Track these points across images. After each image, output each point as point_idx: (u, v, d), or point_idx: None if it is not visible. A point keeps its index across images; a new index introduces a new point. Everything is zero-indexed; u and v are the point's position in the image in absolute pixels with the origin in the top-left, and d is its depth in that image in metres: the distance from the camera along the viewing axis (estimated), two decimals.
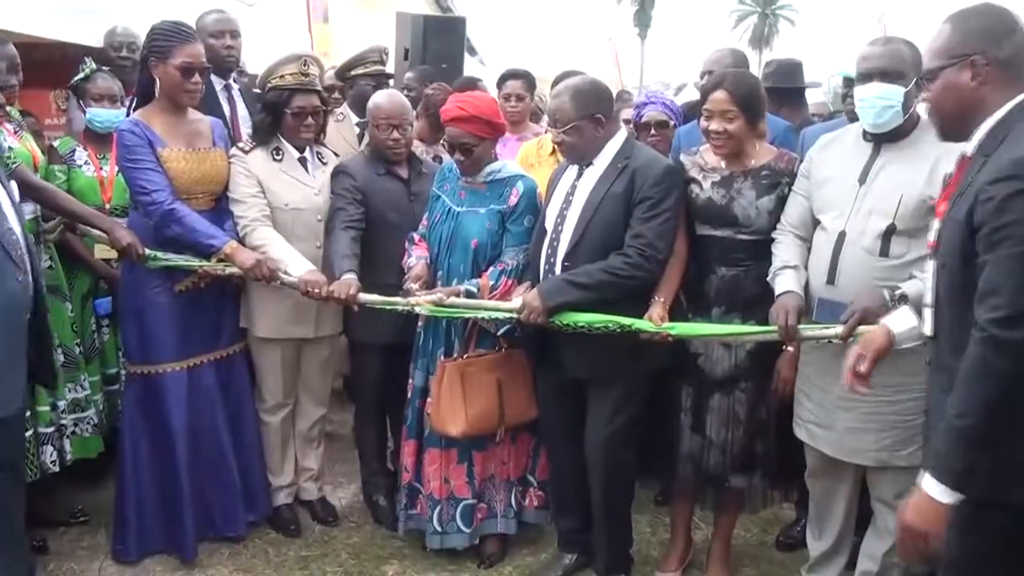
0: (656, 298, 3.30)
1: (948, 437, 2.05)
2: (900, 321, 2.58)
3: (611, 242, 3.30)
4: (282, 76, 3.79)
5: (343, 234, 3.72)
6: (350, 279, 3.53)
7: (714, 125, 3.31)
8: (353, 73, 4.83)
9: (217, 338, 3.86)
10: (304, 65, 3.79)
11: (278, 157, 3.85)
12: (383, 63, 4.77)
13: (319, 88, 3.90)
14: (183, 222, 3.55)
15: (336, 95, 4.93)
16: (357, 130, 4.64)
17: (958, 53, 2.20)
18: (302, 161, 3.91)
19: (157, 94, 3.64)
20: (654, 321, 3.20)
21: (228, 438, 3.87)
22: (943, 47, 2.24)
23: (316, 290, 3.51)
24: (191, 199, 3.66)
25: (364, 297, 3.53)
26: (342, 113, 4.71)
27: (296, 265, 3.61)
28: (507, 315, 3.39)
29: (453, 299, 3.43)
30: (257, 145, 3.85)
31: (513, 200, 3.63)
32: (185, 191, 3.63)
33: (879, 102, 2.98)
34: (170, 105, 3.65)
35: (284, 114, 3.80)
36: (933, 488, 2.05)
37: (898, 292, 2.75)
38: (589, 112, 3.34)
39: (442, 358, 3.65)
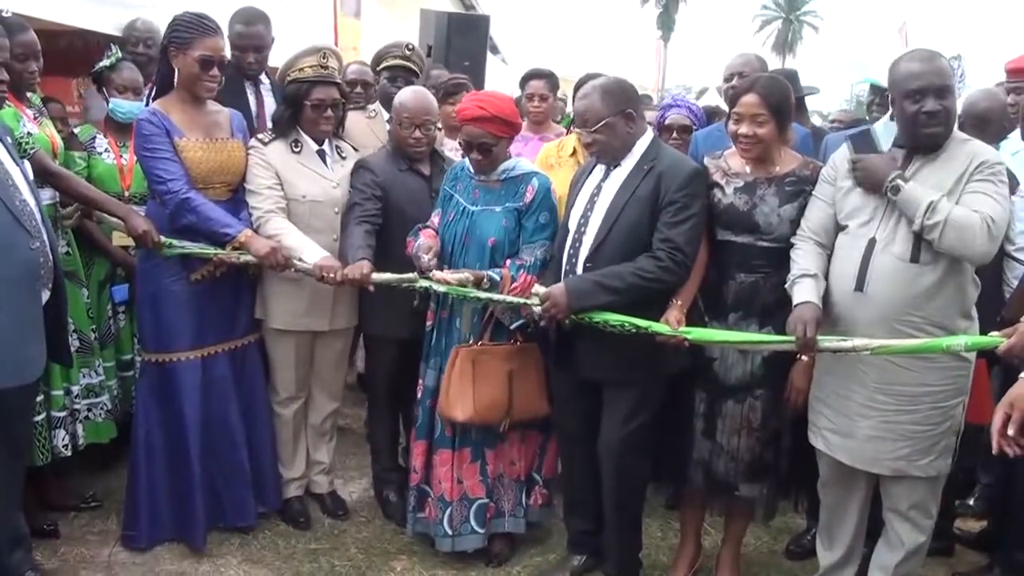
0: (674, 301, 3.28)
1: None
2: None
3: (634, 245, 3.28)
4: (301, 69, 3.80)
5: (357, 228, 3.72)
6: (363, 262, 3.55)
7: (743, 129, 3.29)
8: (379, 68, 4.83)
9: (232, 328, 3.87)
10: (323, 58, 3.80)
11: (297, 149, 3.86)
12: (407, 58, 4.75)
13: (338, 81, 3.91)
14: (198, 211, 3.56)
15: (359, 90, 4.93)
16: (388, 127, 4.64)
17: None
18: (321, 154, 3.92)
19: (176, 84, 3.66)
20: (671, 324, 3.18)
21: (240, 428, 3.88)
22: None
23: (331, 275, 3.52)
24: (208, 189, 3.67)
25: (377, 277, 3.54)
26: (374, 110, 4.70)
27: (310, 252, 3.62)
28: (524, 303, 3.38)
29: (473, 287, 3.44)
30: (276, 137, 3.86)
31: (529, 197, 3.63)
32: (202, 181, 3.65)
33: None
34: (188, 96, 3.67)
35: (303, 106, 3.81)
36: None
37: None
38: (620, 108, 3.33)
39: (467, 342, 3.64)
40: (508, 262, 3.56)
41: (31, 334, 3.03)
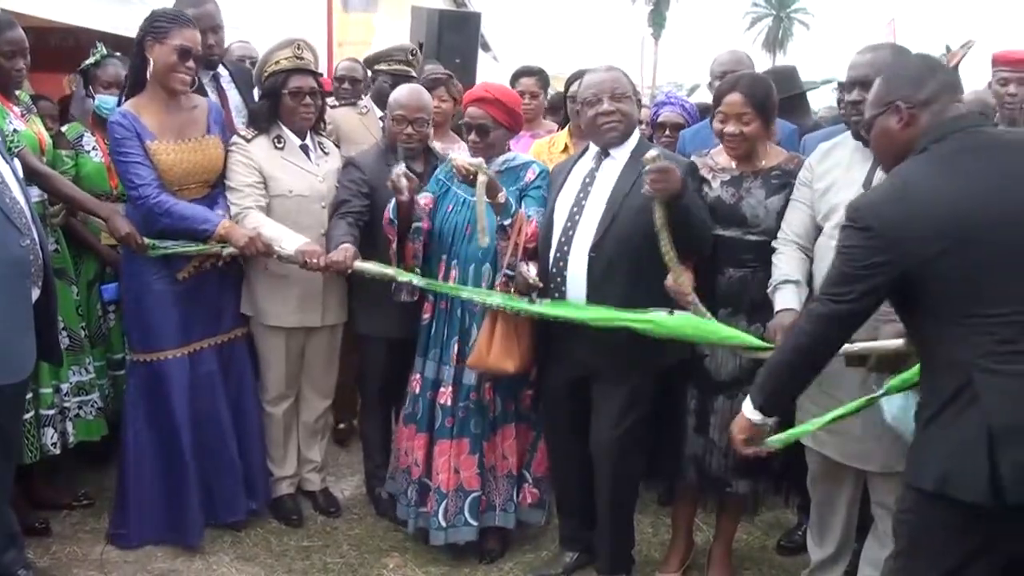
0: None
1: None
2: None
3: (638, 231, 3.27)
4: (277, 62, 3.81)
5: (340, 221, 3.75)
6: (346, 246, 3.58)
7: (729, 128, 3.32)
8: (376, 67, 4.81)
9: (218, 323, 3.87)
10: (298, 49, 3.81)
11: (280, 145, 3.85)
12: (408, 63, 4.76)
13: (314, 70, 3.91)
14: (172, 213, 3.55)
15: (346, 86, 4.93)
16: (381, 123, 4.64)
17: (885, 101, 2.37)
18: (304, 148, 3.91)
19: (149, 78, 3.60)
20: (681, 285, 3.12)
21: (229, 423, 3.88)
22: (874, 98, 2.43)
23: (314, 260, 3.53)
24: (183, 190, 3.65)
25: (361, 265, 3.56)
26: (366, 106, 4.70)
27: (290, 240, 3.62)
28: (516, 306, 3.36)
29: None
30: (259, 133, 3.85)
31: (530, 176, 3.67)
32: (176, 183, 3.63)
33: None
34: (162, 92, 3.62)
35: (282, 96, 3.82)
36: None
37: None
38: (636, 93, 3.47)
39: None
40: (523, 210, 3.54)
41: (21, 332, 3.03)
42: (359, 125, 4.52)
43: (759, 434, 2.61)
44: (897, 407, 2.71)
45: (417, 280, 3.55)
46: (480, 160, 3.38)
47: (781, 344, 2.56)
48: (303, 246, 3.59)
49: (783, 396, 2.58)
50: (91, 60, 4.16)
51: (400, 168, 3.62)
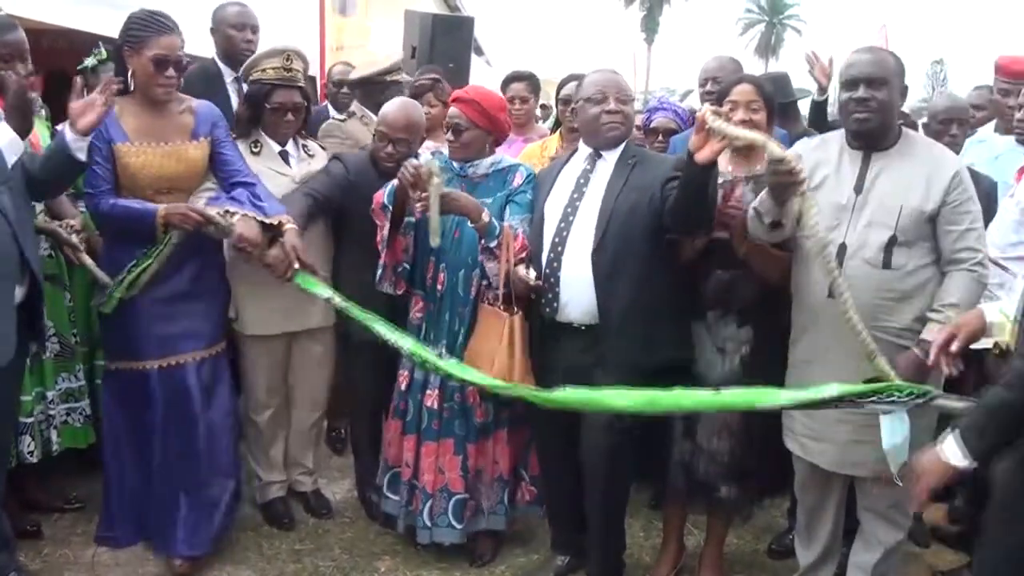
0: None
1: None
2: (993, 313, 2.59)
3: (632, 229, 3.32)
4: (264, 70, 3.75)
5: (301, 197, 3.70)
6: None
7: (739, 115, 3.33)
8: (391, 78, 4.74)
9: (198, 336, 3.67)
10: (287, 60, 3.75)
11: (256, 150, 3.83)
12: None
13: (301, 84, 3.85)
14: (111, 215, 3.44)
15: (344, 90, 4.91)
16: None
17: None
18: (283, 154, 3.88)
19: (132, 86, 3.48)
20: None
21: (204, 441, 3.65)
22: None
23: (250, 249, 3.41)
24: (156, 195, 3.51)
25: (307, 284, 3.46)
26: (364, 118, 4.63)
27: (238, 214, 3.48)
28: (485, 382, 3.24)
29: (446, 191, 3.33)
30: (237, 137, 3.82)
31: (518, 181, 3.66)
32: (147, 187, 3.49)
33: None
34: (144, 98, 3.51)
35: (263, 108, 3.79)
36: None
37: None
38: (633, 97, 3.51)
39: (498, 308, 3.50)
40: (508, 224, 3.51)
41: (2, 319, 3.03)
42: (367, 133, 4.49)
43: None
44: (900, 436, 2.68)
45: (338, 299, 3.45)
46: (431, 160, 3.30)
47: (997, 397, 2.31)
48: (242, 225, 3.42)
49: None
50: (90, 63, 4.12)
51: (434, 164, 3.34)
